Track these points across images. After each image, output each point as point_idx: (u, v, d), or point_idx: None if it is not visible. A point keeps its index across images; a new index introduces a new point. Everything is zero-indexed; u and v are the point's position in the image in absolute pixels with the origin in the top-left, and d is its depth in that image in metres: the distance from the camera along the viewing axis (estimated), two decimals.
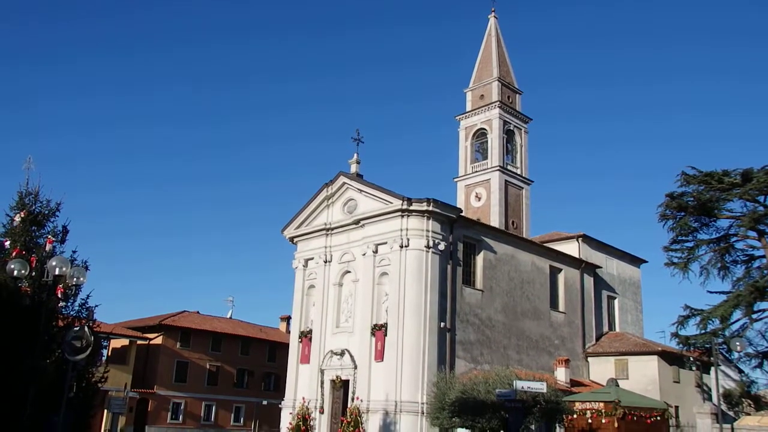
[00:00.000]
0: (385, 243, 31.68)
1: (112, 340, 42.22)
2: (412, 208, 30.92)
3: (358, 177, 34.57)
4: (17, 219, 16.54)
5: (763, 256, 31.61)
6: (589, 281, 40.67)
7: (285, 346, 41.48)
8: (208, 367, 50.10)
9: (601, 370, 38.14)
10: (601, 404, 25.46)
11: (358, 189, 34.03)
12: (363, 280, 32.46)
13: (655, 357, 36.96)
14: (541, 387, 23.99)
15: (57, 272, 14.58)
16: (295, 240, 37.26)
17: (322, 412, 32.20)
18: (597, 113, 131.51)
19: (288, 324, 51.45)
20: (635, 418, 25.30)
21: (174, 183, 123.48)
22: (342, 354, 32.17)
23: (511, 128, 46.54)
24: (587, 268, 40.55)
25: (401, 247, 30.85)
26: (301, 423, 30.82)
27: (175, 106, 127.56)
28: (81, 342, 14.57)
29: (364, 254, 32.63)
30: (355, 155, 35.36)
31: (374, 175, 59.46)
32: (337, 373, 32.22)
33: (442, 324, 30.47)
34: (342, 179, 35.02)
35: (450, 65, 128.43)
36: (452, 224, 32.11)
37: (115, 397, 36.92)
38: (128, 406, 40.74)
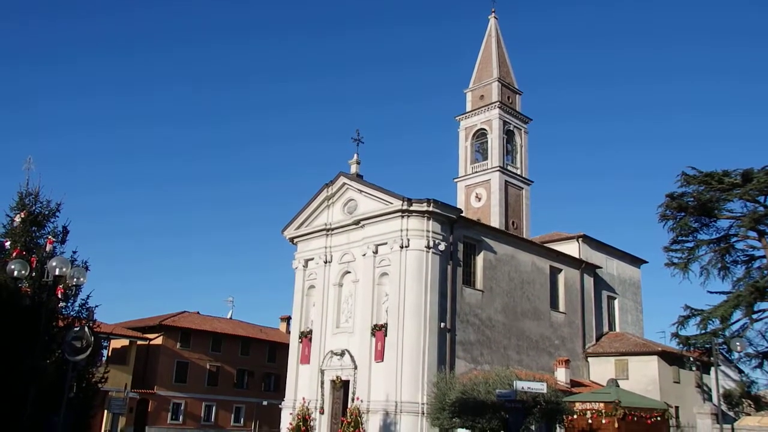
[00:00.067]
0: (386, 243, 31.69)
1: (112, 341, 42.23)
2: (412, 208, 30.93)
3: (359, 177, 34.58)
4: (17, 219, 16.55)
5: (764, 257, 31.61)
6: (589, 281, 40.67)
7: (285, 347, 41.48)
8: (208, 367, 50.10)
9: (601, 370, 38.13)
10: (602, 404, 25.46)
11: (359, 189, 34.03)
12: (363, 280, 32.46)
13: (656, 357, 36.96)
14: (541, 387, 23.98)
15: (57, 273, 14.58)
16: (296, 240, 37.26)
17: (322, 412, 32.19)
18: (597, 113, 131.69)
19: (288, 324, 51.46)
20: (635, 418, 25.30)
21: (174, 183, 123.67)
22: (342, 354, 32.17)
23: (511, 128, 46.55)
24: (587, 268, 40.55)
25: (401, 247, 30.85)
26: (301, 423, 30.82)
27: (175, 106, 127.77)
28: (81, 342, 14.57)
29: (364, 255, 32.63)
30: (355, 155, 35.39)
31: (374, 175, 59.54)
32: (337, 374, 32.22)
33: (443, 324, 30.47)
34: (342, 180, 35.03)
35: (450, 65, 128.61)
36: (452, 225, 32.11)
37: (116, 398, 36.92)
38: (128, 406, 40.73)
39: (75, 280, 15.45)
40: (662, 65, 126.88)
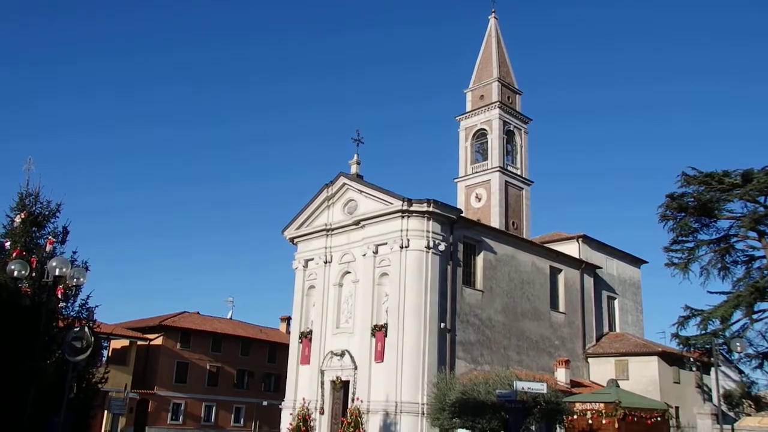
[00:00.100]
0: (386, 244, 31.69)
1: (112, 341, 42.25)
2: (412, 208, 30.93)
3: (359, 178, 34.58)
4: (18, 220, 16.54)
5: (764, 257, 31.60)
6: (589, 282, 40.67)
7: (285, 347, 41.48)
8: (208, 367, 50.10)
9: (601, 370, 38.13)
10: (602, 405, 25.45)
11: (359, 190, 34.04)
12: (363, 280, 32.46)
13: (656, 358, 36.96)
14: (541, 388, 23.98)
15: (57, 273, 14.57)
16: (296, 240, 37.27)
17: (322, 412, 32.19)
18: (597, 113, 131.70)
19: (288, 325, 51.46)
20: (635, 418, 25.29)
21: (174, 183, 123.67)
22: (342, 355, 32.17)
23: (511, 129, 46.56)
24: (587, 268, 40.55)
25: (401, 247, 30.85)
26: (301, 424, 30.82)
27: (175, 106, 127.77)
28: (81, 343, 14.57)
29: (364, 255, 32.63)
30: (356, 156, 35.40)
31: (374, 175, 59.54)
32: (337, 374, 32.22)
33: (443, 324, 30.47)
34: (342, 180, 35.03)
35: (450, 65, 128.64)
36: (452, 225, 32.12)
37: (116, 398, 36.93)
38: (128, 406, 40.74)
39: (75, 280, 15.46)
40: (662, 65, 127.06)
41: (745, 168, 31.05)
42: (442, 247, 31.24)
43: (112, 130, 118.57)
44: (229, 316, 57.20)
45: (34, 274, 15.30)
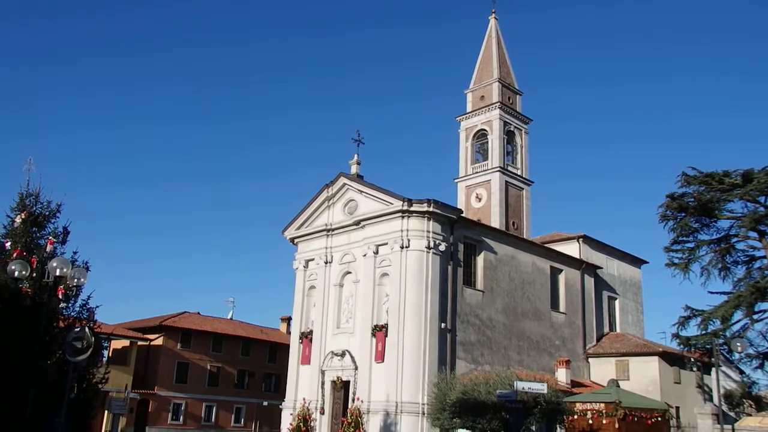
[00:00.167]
0: (386, 244, 31.69)
1: (112, 341, 42.26)
2: (412, 209, 30.94)
3: (359, 178, 34.59)
4: (18, 220, 16.56)
5: (764, 257, 31.58)
6: (589, 282, 40.66)
7: (285, 347, 41.49)
8: (208, 367, 50.11)
9: (601, 370, 38.13)
10: (602, 405, 25.45)
11: (359, 190, 34.04)
12: (363, 280, 32.47)
13: (656, 358, 36.95)
14: (541, 388, 23.99)
15: (58, 273, 14.57)
16: (296, 241, 37.28)
17: (322, 412, 32.20)
18: (597, 113, 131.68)
19: (288, 325, 51.46)
20: (636, 418, 25.28)
21: (174, 183, 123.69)
22: (342, 355, 32.17)
23: (512, 129, 46.56)
24: (588, 268, 40.54)
25: (402, 247, 30.86)
26: (301, 424, 30.83)
27: (175, 106, 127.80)
28: (82, 343, 14.57)
29: (364, 255, 32.64)
30: (356, 156, 35.41)
31: (374, 175, 59.54)
32: (337, 374, 32.22)
33: (443, 325, 30.47)
34: (342, 180, 35.04)
35: (450, 65, 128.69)
36: (453, 225, 32.12)
37: (116, 398, 36.97)
38: (129, 406, 40.78)
39: (75, 280, 15.46)
40: (662, 65, 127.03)
41: (745, 168, 31.07)
42: (442, 247, 31.24)
43: (112, 130, 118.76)
44: (229, 317, 57.24)
45: (34, 274, 15.32)
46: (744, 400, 36.75)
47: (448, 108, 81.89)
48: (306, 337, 34.97)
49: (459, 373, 29.87)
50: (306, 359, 34.49)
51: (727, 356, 34.11)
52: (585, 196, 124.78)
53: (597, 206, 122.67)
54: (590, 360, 39.17)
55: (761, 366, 32.16)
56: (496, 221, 42.56)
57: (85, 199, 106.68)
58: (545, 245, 39.63)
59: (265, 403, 48.11)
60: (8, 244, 16.20)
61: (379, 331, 30.60)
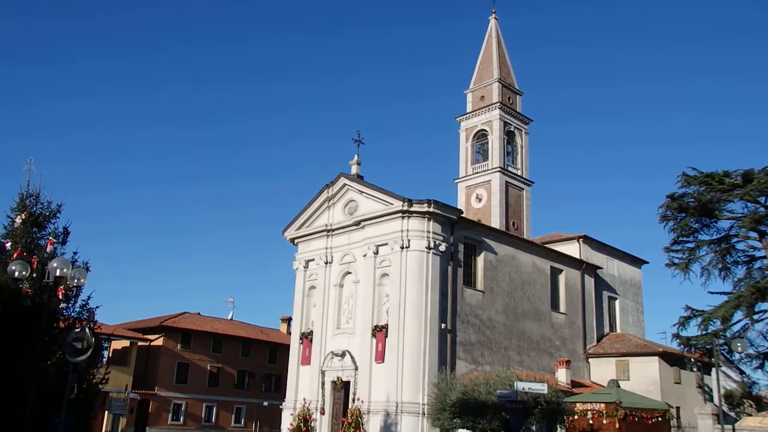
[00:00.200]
0: (386, 244, 31.70)
1: (113, 342, 42.27)
2: (412, 209, 30.94)
3: (359, 178, 34.60)
4: (18, 220, 16.57)
5: (764, 257, 31.58)
6: (589, 282, 40.66)
7: (286, 348, 41.49)
8: (208, 368, 50.11)
9: (602, 371, 38.13)
10: (602, 405, 25.44)
11: (359, 190, 34.05)
12: (364, 281, 32.47)
13: (656, 358, 36.95)
14: (542, 388, 23.98)
15: (58, 274, 14.58)
16: (296, 241, 37.28)
17: (323, 413, 32.20)
18: (597, 113, 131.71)
19: (289, 325, 51.46)
20: (636, 419, 25.27)
21: (174, 183, 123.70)
22: (343, 355, 32.18)
23: (512, 129, 46.57)
24: (588, 268, 40.54)
25: (402, 248, 30.86)
26: (301, 424, 30.84)
27: (175, 106, 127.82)
28: (82, 343, 14.58)
29: (364, 255, 32.64)
30: (356, 156, 35.42)
31: (374, 175, 59.57)
32: (337, 374, 32.22)
33: (443, 325, 30.47)
34: (342, 180, 35.05)
35: (450, 65, 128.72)
36: (453, 225, 32.12)
37: (116, 399, 37.01)
38: (129, 407, 40.83)
39: (76, 281, 15.46)
40: (662, 65, 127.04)
41: (745, 168, 31.07)
42: (442, 247, 31.24)
43: (112, 130, 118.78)
44: (229, 317, 57.26)
45: (34, 274, 15.32)
46: (744, 401, 36.74)
47: (448, 108, 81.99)
48: (306, 337, 34.97)
49: (459, 374, 29.87)
50: (306, 359, 34.49)
51: (728, 356, 34.11)
52: (585, 196, 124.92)
53: (597, 206, 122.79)
54: (590, 360, 39.17)
55: (761, 366, 32.15)
56: (496, 221, 42.57)
57: (85, 199, 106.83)
58: (545, 245, 39.63)
59: (266, 404, 48.12)
60: (8, 245, 16.21)
61: (379, 331, 30.60)
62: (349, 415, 29.17)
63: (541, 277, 37.48)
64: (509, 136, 46.38)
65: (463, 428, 25.95)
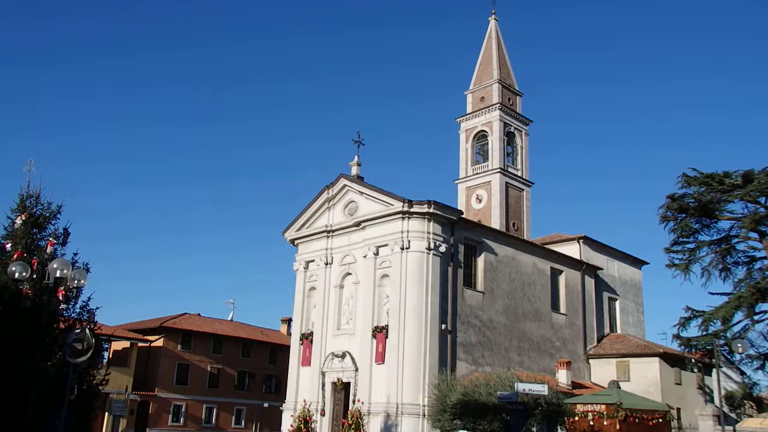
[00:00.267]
0: (386, 245, 31.69)
1: (113, 343, 42.19)
2: (412, 210, 30.94)
3: (359, 179, 34.61)
4: (18, 221, 16.59)
5: (765, 258, 31.59)
6: (590, 283, 40.66)
7: (286, 349, 41.46)
8: (209, 369, 50.08)
9: (602, 372, 38.12)
10: (603, 406, 25.45)
11: (359, 191, 34.05)
12: (364, 282, 32.47)
13: (657, 359, 36.93)
14: (542, 389, 23.97)
15: (58, 274, 14.58)
16: (296, 242, 37.28)
17: (323, 414, 32.18)
18: (597, 113, 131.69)
19: (289, 326, 51.42)
20: (637, 420, 25.27)
21: (174, 183, 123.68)
22: (343, 356, 32.16)
23: (512, 130, 46.57)
24: (588, 269, 40.54)
25: (402, 249, 30.86)
26: (302, 425, 30.84)
27: (175, 106, 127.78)
28: (82, 344, 14.57)
29: (365, 256, 32.64)
30: (356, 157, 35.46)
31: (374, 176, 59.55)
32: (338, 376, 32.21)
33: (443, 326, 30.46)
34: (343, 181, 35.06)
35: (450, 66, 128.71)
36: (453, 226, 32.12)
37: (116, 400, 36.97)
38: (129, 408, 40.76)
39: (76, 282, 15.47)
40: (662, 65, 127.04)
41: (745, 169, 31.09)
42: (442, 248, 31.24)
43: (113, 130, 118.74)
44: (229, 318, 57.22)
45: (35, 275, 15.33)
46: (745, 402, 36.69)
47: (448, 108, 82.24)
48: (306, 338, 34.96)
49: (459, 375, 29.86)
50: (306, 361, 34.48)
51: (728, 357, 34.10)
52: (585, 197, 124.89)
53: (597, 207, 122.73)
54: (591, 361, 39.16)
55: (762, 367, 32.15)
56: (496, 222, 42.57)
57: (85, 199, 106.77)
58: (545, 246, 39.64)
59: (266, 405, 48.08)
60: (9, 246, 16.23)
61: (380, 332, 30.60)
62: (349, 416, 29.17)
63: (541, 278, 37.47)
64: (509, 137, 46.39)
65: (463, 429, 25.93)
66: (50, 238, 16.70)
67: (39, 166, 17.36)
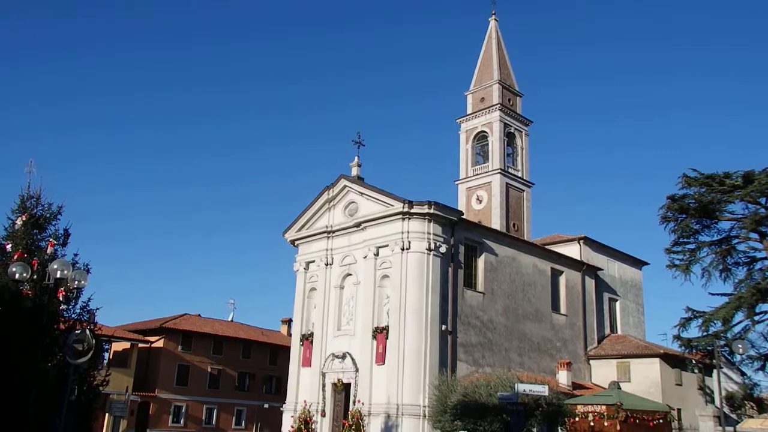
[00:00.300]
0: (387, 246, 31.70)
1: (113, 343, 42.15)
2: (413, 210, 30.95)
3: (359, 180, 34.62)
4: (19, 222, 16.60)
5: (765, 258, 31.61)
6: (590, 283, 40.65)
7: (286, 349, 41.45)
8: (209, 370, 50.07)
9: (603, 372, 38.10)
10: (603, 407, 25.46)
11: (359, 192, 34.06)
12: (364, 282, 32.47)
13: (657, 359, 36.91)
14: (542, 390, 23.98)
15: (58, 275, 14.57)
16: (297, 243, 37.29)
17: (323, 415, 32.17)
18: (597, 113, 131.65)
19: (289, 327, 51.41)
20: (637, 420, 25.28)
21: (174, 184, 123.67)
22: (343, 357, 32.16)
23: (512, 131, 46.57)
24: (588, 270, 40.53)
25: (402, 249, 30.86)
26: (302, 426, 30.84)
27: (175, 106, 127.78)
28: (82, 345, 14.56)
29: (365, 257, 32.65)
30: (356, 158, 35.46)
31: (374, 176, 59.37)
32: (338, 376, 32.20)
33: (444, 327, 30.45)
34: (343, 182, 35.07)
35: (450, 66, 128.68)
36: (453, 227, 32.12)
37: (117, 401, 36.86)
38: (129, 409, 40.64)
39: (76, 282, 15.46)
40: (662, 65, 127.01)
41: (746, 169, 31.10)
42: (443, 249, 31.24)
43: (112, 130, 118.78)
44: (230, 319, 57.23)
45: (35, 276, 15.32)
46: (746, 402, 36.68)
47: (449, 109, 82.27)
48: (307, 339, 34.95)
49: (460, 375, 29.85)
50: (307, 361, 34.48)
51: (729, 358, 34.09)
52: (585, 198, 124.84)
53: (598, 207, 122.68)
54: (591, 362, 39.14)
55: (763, 368, 32.17)
56: (496, 223, 42.56)
57: (85, 200, 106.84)
58: (546, 247, 39.64)
59: (266, 406, 48.07)
60: (9, 246, 16.23)
61: (380, 333, 30.60)
62: (349, 417, 29.16)
63: (541, 279, 37.47)
64: (509, 138, 46.39)
65: (463, 430, 25.93)
66: (51, 239, 16.70)
67: (39, 167, 17.38)
